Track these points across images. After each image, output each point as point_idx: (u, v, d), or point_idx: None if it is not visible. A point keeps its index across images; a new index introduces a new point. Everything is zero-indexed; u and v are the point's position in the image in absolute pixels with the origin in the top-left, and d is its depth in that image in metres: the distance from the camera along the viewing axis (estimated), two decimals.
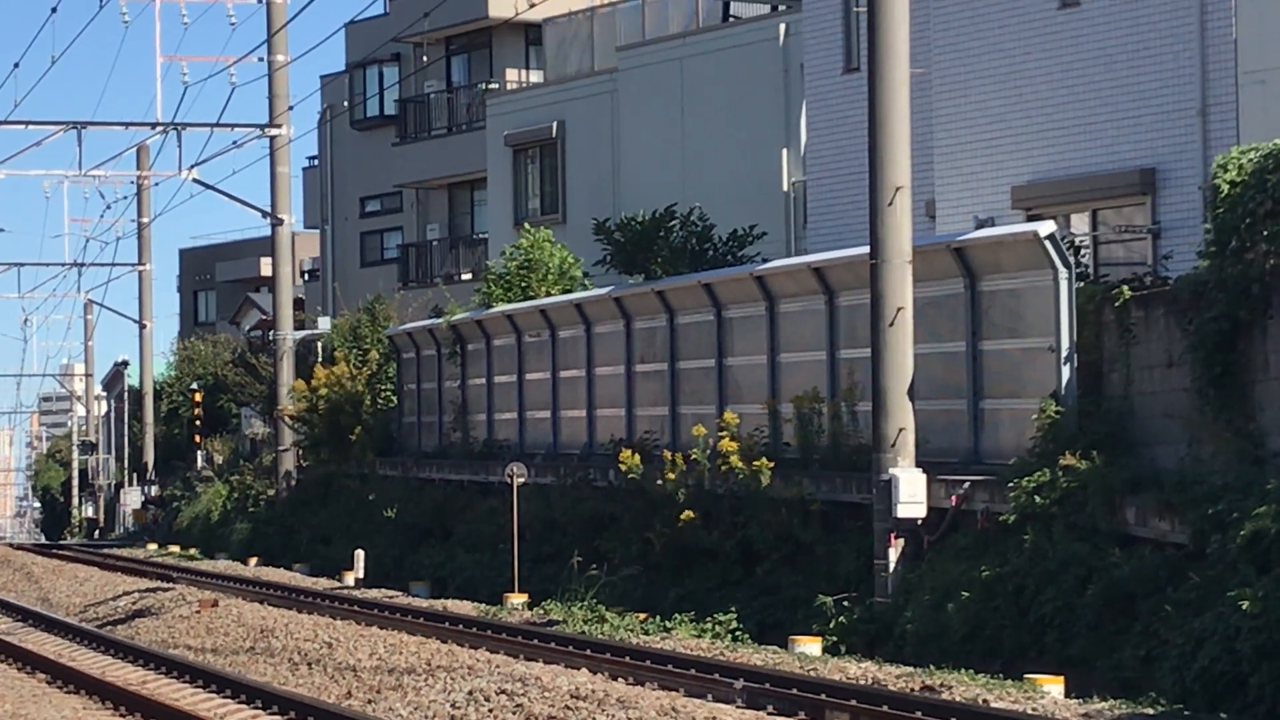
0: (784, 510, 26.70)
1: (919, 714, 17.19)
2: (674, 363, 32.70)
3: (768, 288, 29.93)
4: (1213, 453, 20.97)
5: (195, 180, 45.82)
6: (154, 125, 45.57)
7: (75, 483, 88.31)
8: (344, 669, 23.27)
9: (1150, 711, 17.57)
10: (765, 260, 33.68)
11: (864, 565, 24.54)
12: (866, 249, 24.69)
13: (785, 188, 40.63)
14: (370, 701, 20.73)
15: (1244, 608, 17.44)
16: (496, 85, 54.41)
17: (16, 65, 58.37)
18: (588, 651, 22.90)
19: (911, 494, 23.58)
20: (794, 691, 18.82)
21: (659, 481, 28.76)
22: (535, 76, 54.77)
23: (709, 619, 25.29)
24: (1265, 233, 20.21)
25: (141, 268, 70.67)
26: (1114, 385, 23.09)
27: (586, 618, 26.46)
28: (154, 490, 66.05)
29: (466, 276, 53.72)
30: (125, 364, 79.98)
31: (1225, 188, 20.73)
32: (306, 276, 71.45)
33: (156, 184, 70.87)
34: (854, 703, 18.03)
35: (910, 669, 20.48)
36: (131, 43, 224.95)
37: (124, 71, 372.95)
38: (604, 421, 35.20)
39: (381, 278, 59.04)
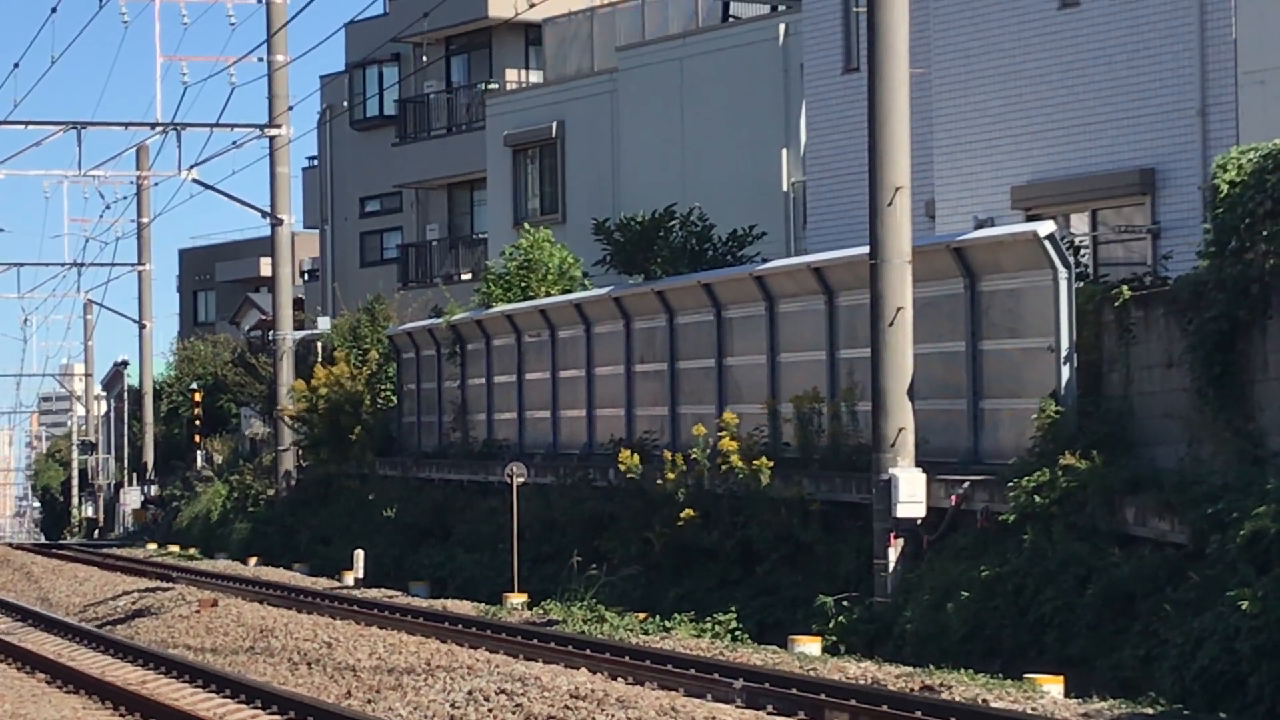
0: (784, 510, 26.70)
1: (918, 714, 17.19)
2: (674, 363, 32.70)
3: (767, 288, 29.93)
4: (1212, 453, 20.97)
5: (195, 180, 45.85)
6: (154, 125, 45.58)
7: (75, 482, 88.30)
8: (343, 669, 23.27)
9: (1150, 711, 17.58)
10: (765, 260, 33.67)
11: (864, 565, 24.54)
12: (866, 249, 24.69)
13: (785, 188, 40.63)
14: (370, 701, 20.73)
15: (1243, 607, 17.45)
16: (496, 85, 54.40)
17: (16, 65, 58.41)
18: (587, 651, 22.90)
19: (911, 494, 23.59)
20: (793, 691, 18.82)
21: (659, 481, 28.76)
22: (535, 76, 54.77)
23: (708, 619, 25.29)
24: (1265, 233, 20.21)
25: (141, 268, 70.67)
26: (1114, 385, 23.10)
27: (586, 617, 26.46)
28: (154, 490, 66.05)
29: (466, 276, 53.71)
30: (125, 364, 79.97)
31: (1225, 188, 20.74)
32: (306, 276, 71.45)
33: (156, 184, 70.97)
34: (853, 702, 18.03)
35: (910, 669, 20.48)
36: (131, 43, 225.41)
37: (124, 71, 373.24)
38: (603, 421, 35.20)
39: (381, 278, 59.04)
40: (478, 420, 40.68)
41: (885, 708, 17.62)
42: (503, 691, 19.62)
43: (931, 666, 20.61)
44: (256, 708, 20.36)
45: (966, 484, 23.67)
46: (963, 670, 20.28)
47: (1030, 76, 30.31)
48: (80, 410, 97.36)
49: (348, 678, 22.67)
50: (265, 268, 67.60)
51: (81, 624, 31.62)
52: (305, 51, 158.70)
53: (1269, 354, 20.47)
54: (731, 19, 45.34)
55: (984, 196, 30.90)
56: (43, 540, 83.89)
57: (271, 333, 51.10)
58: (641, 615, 26.16)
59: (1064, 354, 23.34)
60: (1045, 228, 24.06)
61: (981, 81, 31.08)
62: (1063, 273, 23.47)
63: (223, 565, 43.10)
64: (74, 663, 25.20)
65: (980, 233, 26.75)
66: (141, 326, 70.40)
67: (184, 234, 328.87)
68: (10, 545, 62.98)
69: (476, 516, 36.86)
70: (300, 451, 47.32)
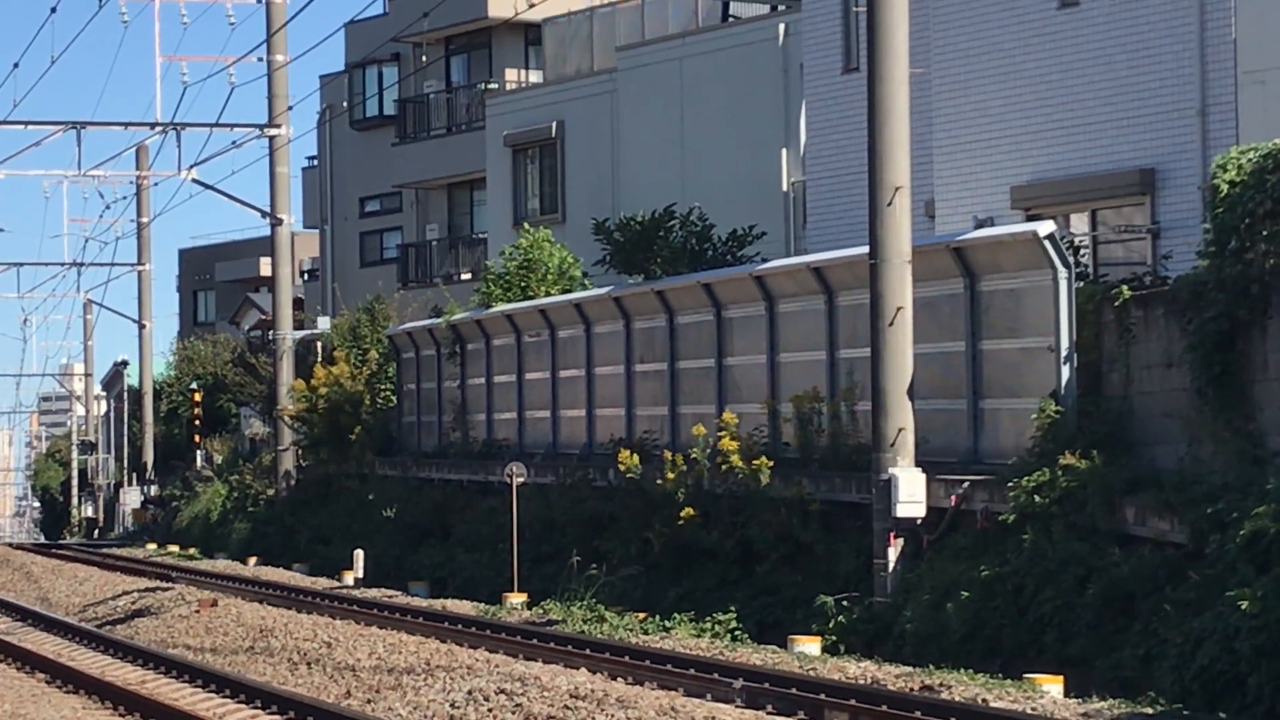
0: (783, 510, 26.70)
1: (918, 714, 17.19)
2: (673, 362, 32.70)
3: (767, 288, 29.93)
4: (1212, 452, 20.98)
5: (195, 180, 45.86)
6: (153, 125, 45.58)
7: (75, 482, 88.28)
8: (343, 669, 23.27)
9: (1149, 711, 17.58)
10: (765, 260, 33.68)
11: (863, 565, 24.54)
12: (866, 249, 24.69)
13: (785, 187, 40.63)
14: (369, 701, 20.72)
15: (1243, 607, 17.45)
16: (496, 85, 54.38)
17: (16, 65, 58.28)
18: (587, 651, 22.90)
19: (911, 494, 23.59)
20: (793, 691, 18.82)
21: (658, 481, 28.76)
22: (535, 76, 54.76)
23: (708, 619, 25.29)
24: (1265, 233, 20.22)
25: (141, 268, 70.67)
26: (1113, 385, 23.10)
27: (586, 617, 26.47)
28: (153, 490, 66.05)
29: (466, 276, 53.70)
30: (125, 364, 79.97)
31: (1224, 188, 20.74)
32: (306, 276, 71.45)
33: (156, 184, 70.96)
34: (853, 702, 18.03)
35: (909, 669, 20.48)
36: (131, 43, 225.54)
37: (123, 71, 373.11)
38: (603, 421, 35.20)
39: (381, 278, 59.02)
40: (477, 420, 40.68)
41: (885, 708, 17.62)
42: (502, 691, 19.62)
43: (931, 666, 20.61)
44: (256, 708, 20.36)
45: (966, 484, 23.67)
46: (962, 670, 20.28)
47: (1030, 76, 30.31)
48: (80, 410, 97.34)
49: (347, 678, 22.67)
50: (265, 268, 67.58)
51: (81, 624, 31.61)
52: (305, 51, 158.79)
53: (1269, 354, 20.47)
54: (731, 19, 45.33)
55: (984, 196, 30.90)
56: (42, 540, 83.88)
57: (271, 333, 51.10)
58: (641, 615, 26.16)
59: (1064, 354, 23.34)
60: (1045, 228, 24.06)
61: (981, 81, 31.08)
62: (1063, 272, 23.47)
63: (222, 565, 43.10)
64: (74, 663, 25.20)
65: (980, 233, 26.75)
66: (141, 326, 70.40)
67: (184, 234, 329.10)
68: (10, 545, 62.98)
69: (476, 516, 36.86)
70: (300, 451, 47.32)
